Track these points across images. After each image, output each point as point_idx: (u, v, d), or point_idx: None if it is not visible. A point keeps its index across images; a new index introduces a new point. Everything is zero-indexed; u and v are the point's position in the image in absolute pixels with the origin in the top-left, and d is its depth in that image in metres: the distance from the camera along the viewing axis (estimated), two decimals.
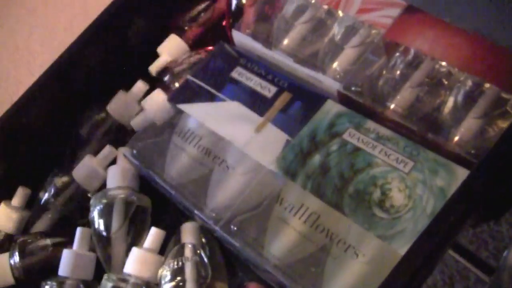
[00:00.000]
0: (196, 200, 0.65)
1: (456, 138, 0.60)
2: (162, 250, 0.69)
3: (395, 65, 0.66)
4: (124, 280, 0.65)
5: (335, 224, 0.58)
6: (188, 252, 0.65)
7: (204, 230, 0.67)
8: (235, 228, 0.61)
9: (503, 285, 0.80)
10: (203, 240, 0.67)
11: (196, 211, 0.64)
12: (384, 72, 0.67)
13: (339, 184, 0.60)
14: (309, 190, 0.61)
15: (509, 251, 0.79)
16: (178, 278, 0.64)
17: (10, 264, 0.72)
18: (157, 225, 0.70)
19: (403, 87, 0.65)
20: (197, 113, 0.71)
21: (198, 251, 0.64)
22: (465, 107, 0.62)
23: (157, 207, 0.74)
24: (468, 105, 0.61)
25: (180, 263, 0.64)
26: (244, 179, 0.64)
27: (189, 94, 0.74)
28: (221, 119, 0.70)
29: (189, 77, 0.75)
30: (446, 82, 0.64)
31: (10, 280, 0.72)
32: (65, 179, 0.76)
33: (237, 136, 0.68)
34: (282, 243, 0.59)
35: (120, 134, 0.79)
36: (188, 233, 0.67)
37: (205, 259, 0.63)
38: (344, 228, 0.58)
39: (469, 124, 0.60)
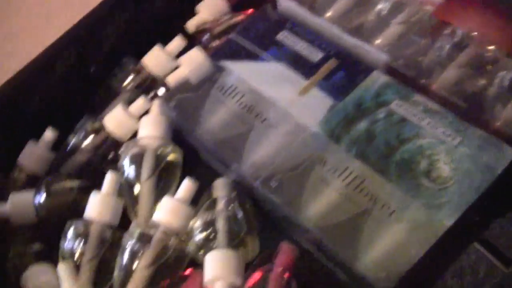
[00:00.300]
0: (235, 155, 0.64)
1: (503, 118, 0.60)
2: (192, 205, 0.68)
3: (442, 44, 0.66)
4: (153, 228, 0.64)
5: (379, 189, 0.58)
6: (220, 206, 0.64)
7: (236, 187, 0.66)
8: (275, 185, 0.61)
9: None
10: (235, 196, 0.66)
11: (234, 166, 0.64)
12: (430, 50, 0.66)
13: (385, 151, 0.60)
14: (354, 154, 0.61)
15: None
16: (210, 230, 0.62)
17: (35, 203, 0.70)
18: None
19: (449, 66, 0.64)
20: (240, 71, 0.71)
21: (231, 206, 0.63)
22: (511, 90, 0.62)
23: (187, 163, 0.73)
24: None
25: (212, 216, 0.63)
26: (286, 139, 0.64)
27: (232, 52, 0.74)
28: (264, 79, 0.69)
29: (232, 35, 0.75)
30: (491, 66, 0.64)
31: (33, 219, 0.71)
32: (96, 124, 0.75)
33: (281, 96, 0.67)
34: (323, 203, 0.59)
35: (153, 89, 0.77)
36: (220, 188, 0.67)
37: (238, 214, 0.63)
38: (388, 193, 0.58)
39: None
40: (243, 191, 0.67)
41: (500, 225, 0.59)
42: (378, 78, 0.66)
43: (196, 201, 0.69)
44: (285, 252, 0.61)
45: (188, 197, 0.67)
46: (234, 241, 0.63)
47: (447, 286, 0.56)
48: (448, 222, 0.55)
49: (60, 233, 0.69)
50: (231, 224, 0.63)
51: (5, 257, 0.70)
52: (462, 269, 0.57)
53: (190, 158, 0.74)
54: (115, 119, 0.75)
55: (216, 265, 0.61)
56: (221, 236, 0.63)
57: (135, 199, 0.70)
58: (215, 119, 0.68)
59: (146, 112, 0.76)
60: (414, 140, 0.61)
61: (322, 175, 0.60)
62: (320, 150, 0.62)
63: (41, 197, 0.72)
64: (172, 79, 0.73)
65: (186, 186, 0.67)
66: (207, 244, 0.63)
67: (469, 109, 0.63)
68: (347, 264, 0.56)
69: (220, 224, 0.63)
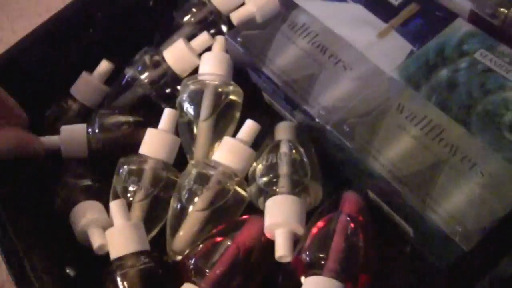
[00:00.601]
0: (305, 95, 0.61)
1: None
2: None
3: None
4: (212, 168, 0.61)
5: (460, 140, 0.55)
6: (284, 148, 0.60)
7: (301, 131, 0.63)
8: (348, 129, 0.57)
9: None
10: (300, 140, 0.62)
11: (304, 106, 0.60)
12: None
13: (467, 102, 0.57)
14: (434, 102, 0.57)
15: None
16: (272, 174, 0.59)
17: (88, 136, 0.67)
18: None
19: None
20: (314, 9, 0.67)
21: (296, 149, 0.60)
22: None
23: (247, 105, 0.70)
24: None
25: (275, 159, 0.60)
26: (361, 83, 0.60)
27: None
28: (340, 19, 0.66)
29: None
30: None
31: (84, 152, 0.68)
32: (156, 58, 0.72)
33: (358, 38, 0.64)
34: (398, 150, 0.56)
35: (216, 25, 0.73)
36: (284, 131, 0.64)
37: (304, 157, 0.59)
38: (469, 145, 0.54)
39: None
40: (308, 136, 0.63)
41: None
42: (461, 26, 0.62)
43: (257, 145, 0.65)
44: (351, 201, 0.58)
45: (250, 138, 0.63)
46: (297, 187, 0.59)
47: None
48: None
49: (112, 169, 0.66)
50: (295, 168, 0.60)
51: (55, 191, 0.68)
52: None
53: (252, 100, 0.69)
54: (176, 53, 0.72)
55: (278, 211, 0.58)
56: (284, 181, 0.60)
57: (192, 138, 0.67)
58: (284, 58, 0.65)
59: (208, 49, 0.71)
60: (499, 92, 0.57)
61: (398, 122, 0.57)
62: (397, 96, 0.58)
63: (94, 131, 0.69)
64: (237, 16, 0.70)
65: (249, 127, 0.64)
66: (268, 188, 0.59)
67: None
68: (420, 216, 0.52)
69: (283, 168, 0.60)
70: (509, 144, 0.54)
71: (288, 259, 0.56)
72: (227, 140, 0.63)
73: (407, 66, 0.60)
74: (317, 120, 0.59)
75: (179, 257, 0.61)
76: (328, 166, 0.65)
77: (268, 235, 0.59)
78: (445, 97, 0.57)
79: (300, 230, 0.57)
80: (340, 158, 0.60)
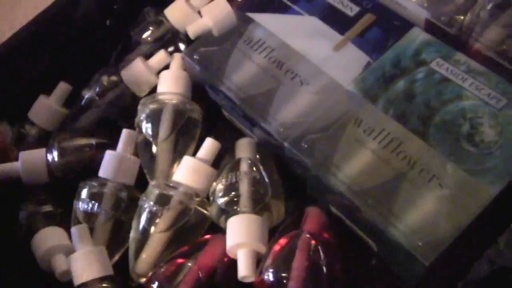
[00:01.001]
0: (262, 112, 0.60)
1: None
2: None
3: (484, 2, 0.61)
4: (173, 189, 0.60)
5: (418, 153, 0.54)
6: (244, 166, 0.59)
7: (261, 148, 0.62)
8: (306, 146, 0.57)
9: None
10: (260, 157, 0.61)
11: (262, 124, 0.59)
12: (471, 8, 0.61)
13: (425, 113, 0.56)
14: (391, 115, 0.57)
15: None
16: (233, 193, 0.58)
17: (48, 161, 0.66)
18: None
19: (492, 26, 0.60)
20: (269, 23, 0.66)
21: (256, 167, 0.59)
22: None
23: (207, 122, 0.70)
24: None
25: (236, 178, 0.59)
26: (318, 97, 0.60)
27: (261, 3, 0.69)
28: (296, 32, 0.65)
29: None
30: None
31: (45, 177, 0.67)
32: (113, 78, 0.71)
33: (314, 51, 0.63)
34: (357, 165, 0.55)
35: (174, 43, 0.72)
36: (244, 148, 0.63)
37: (264, 176, 0.58)
38: (428, 157, 0.54)
39: None
40: (269, 153, 0.62)
41: None
42: (417, 35, 0.62)
43: (218, 163, 0.64)
44: (313, 217, 0.57)
45: (210, 157, 0.63)
46: (259, 206, 0.59)
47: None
48: (494, 189, 0.51)
49: (73, 194, 0.64)
50: (256, 187, 0.59)
51: (15, 219, 0.66)
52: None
53: (211, 117, 0.68)
54: (133, 73, 0.71)
55: (239, 231, 0.57)
56: (245, 200, 0.59)
57: (152, 158, 0.66)
58: (241, 74, 0.64)
59: (166, 67, 0.70)
60: (456, 101, 0.57)
61: (356, 136, 0.56)
62: (355, 109, 0.58)
63: (54, 155, 0.68)
64: (193, 30, 0.68)
65: (209, 146, 0.63)
66: (229, 208, 0.59)
67: None
68: (381, 231, 0.51)
69: (244, 187, 0.59)
70: (468, 155, 0.54)
71: (251, 279, 0.56)
72: (187, 159, 0.62)
73: (364, 78, 0.60)
74: (275, 137, 0.58)
75: (143, 280, 0.60)
76: (292, 182, 0.63)
77: (230, 255, 0.57)
78: (403, 109, 0.57)
79: (263, 249, 0.57)
80: (301, 174, 0.59)
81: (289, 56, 0.63)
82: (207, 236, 0.61)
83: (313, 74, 0.62)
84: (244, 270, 0.55)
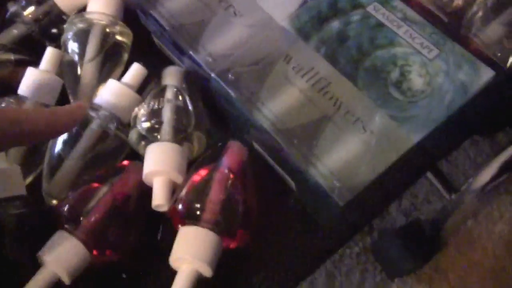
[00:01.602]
0: (192, 41, 0.58)
1: (483, 38, 0.55)
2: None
3: None
4: (94, 110, 0.58)
5: (345, 95, 0.54)
6: (170, 94, 0.58)
7: (188, 78, 0.60)
8: (233, 78, 0.55)
9: (462, 205, 0.79)
10: (186, 87, 0.59)
11: (191, 52, 0.58)
12: None
13: (356, 56, 0.55)
14: (323, 55, 0.55)
15: (474, 177, 0.78)
16: (155, 119, 0.56)
17: None
18: None
19: None
20: None
21: (181, 96, 0.57)
22: (495, 9, 0.57)
23: (136, 49, 0.68)
24: (498, 10, 0.58)
25: (159, 105, 0.57)
26: (251, 30, 0.58)
27: None
28: None
29: None
30: None
31: None
32: None
33: None
34: (283, 103, 0.54)
35: None
36: (171, 76, 0.61)
37: (189, 105, 0.57)
38: (354, 100, 0.53)
39: (496, 28, 0.57)
40: (195, 83, 0.61)
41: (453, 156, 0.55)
42: None
43: (143, 91, 0.63)
44: (233, 152, 0.56)
45: (135, 82, 0.61)
46: (180, 135, 0.57)
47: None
48: (415, 137, 0.51)
49: None
50: (179, 115, 0.57)
51: None
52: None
53: (141, 42, 0.66)
54: None
55: (157, 159, 0.56)
56: (166, 128, 0.57)
57: (76, 79, 0.63)
58: (175, 1, 0.62)
59: None
60: (388, 47, 0.56)
61: (285, 73, 0.55)
62: (286, 46, 0.57)
63: None
64: None
65: (135, 71, 0.61)
66: (150, 135, 0.57)
67: (449, 24, 0.58)
68: (301, 170, 0.50)
69: (167, 114, 0.57)
70: (395, 101, 0.53)
71: (164, 208, 0.54)
72: (111, 82, 0.60)
73: (299, 16, 0.59)
74: (203, 66, 0.57)
75: (55, 202, 0.58)
76: (217, 116, 0.62)
77: (146, 182, 0.56)
78: (335, 49, 0.56)
79: (179, 179, 0.55)
80: (227, 107, 0.58)
81: None
82: (125, 163, 0.59)
83: (248, 6, 0.60)
84: (158, 199, 0.54)
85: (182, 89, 0.60)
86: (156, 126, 0.57)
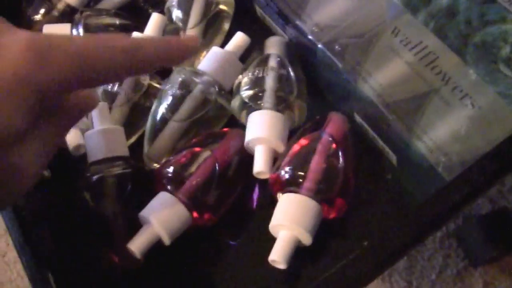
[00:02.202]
0: (298, 10, 0.58)
1: None
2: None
3: None
4: (198, 76, 0.58)
5: (454, 69, 0.53)
6: (273, 62, 0.58)
7: (292, 48, 0.60)
8: (339, 49, 0.55)
9: None
10: (289, 56, 0.60)
11: (297, 22, 0.57)
12: None
13: (465, 31, 0.54)
14: (431, 29, 0.55)
15: None
16: (258, 87, 0.57)
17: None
18: None
19: None
20: None
21: (284, 65, 0.57)
22: None
23: (240, 17, 0.69)
24: None
25: (264, 73, 0.57)
26: (358, 1, 0.59)
27: None
28: None
29: None
30: None
31: None
32: None
33: None
34: (390, 75, 0.54)
35: None
36: (274, 45, 0.61)
37: (291, 74, 0.57)
38: (463, 75, 0.53)
39: None
40: (297, 54, 0.61)
41: None
42: None
43: (245, 60, 0.64)
44: (335, 122, 0.57)
45: (239, 50, 0.62)
46: (282, 104, 0.57)
47: None
48: None
49: None
50: (281, 84, 0.57)
51: None
52: None
53: (244, 13, 0.68)
54: None
55: (260, 126, 0.56)
56: (269, 96, 0.57)
57: None
58: None
59: None
60: (499, 23, 0.55)
61: (392, 45, 0.54)
62: (393, 19, 0.56)
63: (79, 31, 0.66)
64: None
65: (239, 39, 0.62)
66: (252, 102, 0.57)
67: None
68: (406, 143, 0.50)
69: (270, 83, 0.57)
70: (504, 78, 0.52)
71: (266, 175, 0.55)
72: (214, 49, 0.61)
73: None
74: (309, 36, 0.57)
75: (155, 165, 0.59)
76: (317, 88, 0.63)
77: (248, 150, 0.57)
78: (443, 24, 0.55)
79: (281, 147, 0.56)
80: (330, 78, 0.58)
81: None
82: (226, 129, 0.59)
83: None
84: (260, 166, 0.55)
85: (286, 58, 0.60)
86: (259, 94, 0.58)
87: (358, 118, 0.58)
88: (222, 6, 0.65)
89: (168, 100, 0.59)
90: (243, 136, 0.57)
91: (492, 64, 0.53)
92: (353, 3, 0.59)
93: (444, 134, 0.51)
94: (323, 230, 0.54)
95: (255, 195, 0.59)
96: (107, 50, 0.39)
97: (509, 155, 0.47)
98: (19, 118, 0.36)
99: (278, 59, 0.59)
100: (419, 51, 0.54)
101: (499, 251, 0.75)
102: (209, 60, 0.60)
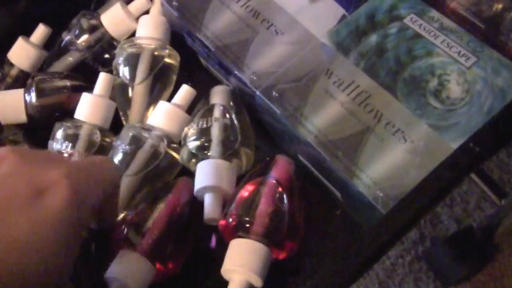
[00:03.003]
0: (237, 61, 0.61)
1: None
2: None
3: None
4: (146, 131, 0.61)
5: (385, 106, 0.55)
6: (217, 112, 0.61)
7: (235, 96, 0.63)
8: (277, 95, 0.57)
9: None
10: (233, 105, 0.62)
11: (236, 72, 0.60)
12: None
13: (394, 68, 0.57)
14: (362, 68, 0.57)
15: None
16: (204, 138, 0.59)
17: (25, 101, 0.67)
18: None
19: None
20: None
21: (228, 114, 0.60)
22: None
23: (184, 69, 0.71)
24: None
25: (208, 123, 0.60)
26: (292, 48, 0.61)
27: None
28: None
29: None
30: None
31: (23, 118, 0.68)
32: (93, 22, 0.71)
33: (290, 2, 0.64)
34: (325, 116, 0.56)
35: None
36: (218, 95, 0.64)
37: (235, 122, 0.59)
38: (394, 111, 0.55)
39: None
40: (242, 101, 0.63)
41: (498, 158, 0.56)
42: None
43: (192, 110, 0.65)
44: (280, 165, 0.59)
45: (185, 103, 0.64)
46: (228, 151, 0.59)
47: (436, 214, 0.53)
48: (454, 145, 0.52)
49: (49, 134, 0.65)
50: (227, 133, 0.60)
51: None
52: (453, 199, 0.53)
53: (188, 63, 0.69)
54: (113, 17, 0.72)
55: (208, 174, 0.58)
56: (215, 145, 0.60)
57: (128, 102, 0.67)
58: (218, 22, 0.65)
59: (146, 12, 0.71)
60: (426, 58, 0.58)
61: (326, 88, 0.57)
62: (327, 61, 0.59)
63: (31, 96, 0.68)
64: None
65: (184, 92, 0.64)
66: (200, 153, 0.60)
67: (486, 30, 0.59)
68: (345, 181, 0.52)
69: (215, 132, 0.60)
70: (434, 110, 0.55)
71: (215, 222, 0.57)
72: (162, 104, 0.63)
73: (338, 31, 0.61)
74: (248, 85, 0.59)
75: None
76: (263, 132, 0.65)
77: (198, 197, 0.59)
78: (373, 62, 0.58)
79: (229, 194, 0.58)
80: (272, 123, 0.60)
81: (266, 6, 0.64)
82: (173, 180, 0.62)
83: (289, 24, 0.62)
84: (209, 213, 0.57)
85: (229, 107, 0.62)
86: (206, 144, 0.60)
87: (301, 159, 0.60)
88: (167, 60, 0.68)
89: (120, 156, 0.61)
90: (190, 182, 0.59)
91: (422, 97, 0.55)
92: (289, 48, 0.61)
93: (380, 170, 0.53)
94: (277, 267, 0.56)
95: (213, 238, 0.60)
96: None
97: (439, 184, 0.50)
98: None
99: (222, 108, 0.61)
100: (352, 91, 0.57)
101: (469, 270, 0.77)
102: (157, 114, 0.63)
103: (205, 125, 0.61)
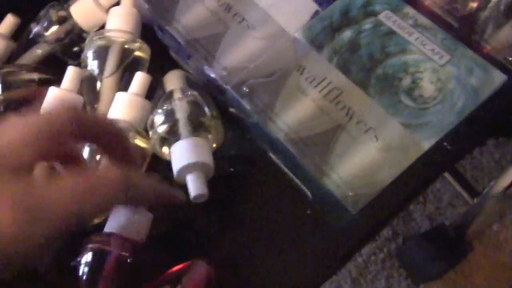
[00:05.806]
0: (207, 56, 0.59)
1: (495, 42, 0.55)
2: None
3: None
4: None
5: (357, 104, 0.54)
6: (178, 94, 0.60)
7: (189, 80, 0.63)
8: (247, 90, 0.56)
9: (485, 209, 0.78)
10: (190, 86, 0.62)
11: (206, 67, 0.58)
12: None
13: (368, 64, 0.56)
14: (335, 64, 0.56)
15: (496, 181, 0.77)
16: (171, 119, 0.58)
17: None
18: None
19: None
20: None
21: (189, 93, 0.58)
22: (507, 14, 0.57)
23: (155, 62, 0.69)
24: (510, 15, 0.58)
25: (172, 105, 0.58)
26: (264, 43, 0.59)
27: None
28: None
29: None
30: None
31: None
32: (62, 13, 0.69)
33: None
34: (296, 113, 0.55)
35: None
36: (174, 79, 0.62)
37: (199, 98, 0.58)
38: (366, 109, 0.54)
39: (508, 33, 0.56)
40: (197, 85, 0.63)
41: (471, 157, 0.55)
42: None
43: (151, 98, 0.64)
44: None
45: (142, 90, 0.62)
46: (198, 128, 0.59)
47: (408, 212, 0.53)
48: (426, 144, 0.52)
49: None
50: (192, 109, 0.58)
51: None
52: (425, 196, 0.53)
53: (159, 57, 0.68)
54: (83, 9, 0.70)
55: (184, 155, 0.57)
56: (183, 124, 0.58)
57: (96, 95, 0.65)
58: (190, 16, 0.63)
59: (117, 4, 0.69)
60: (399, 55, 0.57)
61: (298, 84, 0.56)
62: (299, 57, 0.57)
63: None
64: None
65: (140, 79, 0.62)
66: (170, 135, 0.58)
67: (460, 29, 0.58)
68: (315, 179, 0.51)
69: (180, 112, 0.58)
70: (405, 109, 0.54)
71: (204, 198, 0.56)
72: (119, 94, 0.62)
73: (311, 26, 0.60)
74: (218, 80, 0.58)
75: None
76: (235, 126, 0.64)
77: (178, 181, 0.57)
78: (346, 58, 0.57)
79: (210, 169, 0.56)
80: (242, 118, 0.59)
81: (238, 0, 0.62)
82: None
83: (261, 19, 0.61)
84: (196, 189, 0.55)
85: (188, 88, 0.60)
86: (174, 125, 0.58)
87: (272, 155, 0.58)
88: (138, 53, 0.66)
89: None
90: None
91: (394, 95, 0.54)
92: (260, 44, 0.60)
93: (351, 169, 0.52)
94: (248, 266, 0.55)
95: None
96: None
97: (412, 183, 0.49)
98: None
99: (181, 89, 0.59)
100: (324, 87, 0.56)
101: (441, 267, 0.76)
102: (117, 106, 0.61)
103: (170, 107, 0.58)
